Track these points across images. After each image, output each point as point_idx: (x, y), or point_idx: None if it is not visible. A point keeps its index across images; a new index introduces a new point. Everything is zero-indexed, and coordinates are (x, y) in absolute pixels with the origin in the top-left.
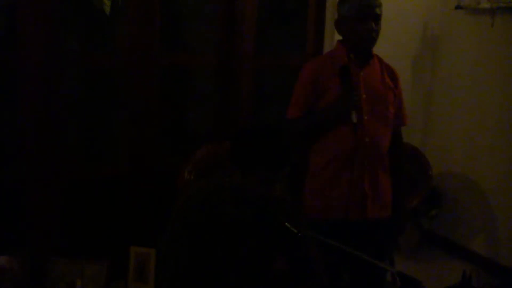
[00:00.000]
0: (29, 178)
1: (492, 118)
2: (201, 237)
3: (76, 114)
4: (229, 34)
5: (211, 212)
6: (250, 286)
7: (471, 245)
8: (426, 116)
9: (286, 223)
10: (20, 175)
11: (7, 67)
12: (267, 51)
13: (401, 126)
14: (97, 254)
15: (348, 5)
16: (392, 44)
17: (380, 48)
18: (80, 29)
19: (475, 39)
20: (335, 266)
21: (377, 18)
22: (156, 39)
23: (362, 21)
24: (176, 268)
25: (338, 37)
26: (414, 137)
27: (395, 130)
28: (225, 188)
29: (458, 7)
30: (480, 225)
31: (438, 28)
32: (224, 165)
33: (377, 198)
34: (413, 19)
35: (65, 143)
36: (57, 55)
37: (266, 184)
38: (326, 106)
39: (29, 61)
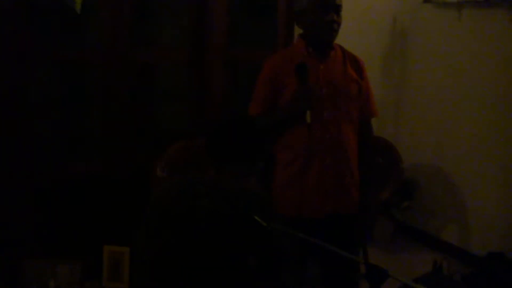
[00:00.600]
0: (0, 177)
1: (462, 110)
2: (178, 232)
3: (48, 112)
4: (200, 27)
5: (185, 207)
6: (226, 280)
7: (443, 235)
8: (397, 108)
9: (255, 216)
10: None
11: None
12: (238, 44)
13: (370, 118)
14: (70, 253)
15: None
16: (362, 38)
17: (349, 42)
18: (52, 26)
19: (443, 32)
20: (304, 260)
21: (338, 9)
22: (127, 34)
23: (323, 13)
24: (155, 264)
25: None
26: (385, 129)
27: (363, 122)
28: (199, 183)
29: (426, 0)
30: (451, 215)
31: (407, 22)
32: (197, 161)
33: (342, 195)
34: (382, 13)
35: (37, 142)
36: (29, 53)
37: (241, 178)
38: (283, 104)
39: (3, 59)
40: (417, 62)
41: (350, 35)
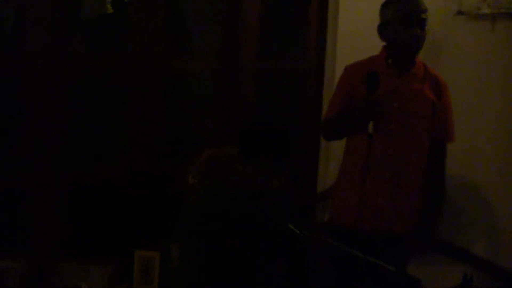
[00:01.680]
0: (34, 180)
1: (493, 122)
2: (216, 240)
3: (81, 116)
4: (232, 37)
5: (222, 211)
6: (257, 284)
7: (472, 249)
8: None
9: (290, 225)
10: (25, 177)
11: (14, 70)
12: (269, 55)
13: (445, 142)
14: (102, 257)
15: (392, 10)
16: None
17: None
18: (85, 32)
19: (476, 45)
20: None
21: (422, 23)
22: (160, 42)
23: (407, 26)
24: (194, 273)
25: (340, 44)
26: None
27: (435, 145)
28: (231, 185)
29: (459, 12)
30: (481, 228)
31: (439, 34)
32: (227, 168)
33: (394, 213)
34: None
35: (71, 145)
36: (62, 58)
37: (265, 175)
38: (349, 112)
39: (35, 64)
40: (449, 74)
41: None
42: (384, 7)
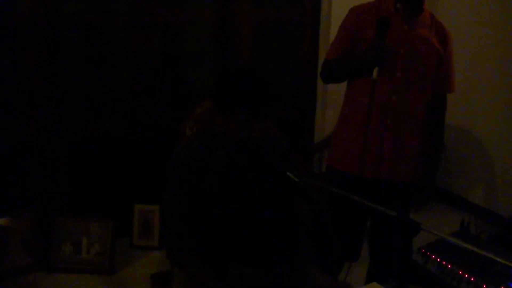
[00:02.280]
0: (34, 139)
1: (490, 72)
2: (198, 187)
3: (77, 74)
4: None
5: (203, 160)
6: (250, 231)
7: (469, 196)
8: None
9: (288, 172)
10: (25, 137)
11: (10, 29)
12: (265, 5)
13: (447, 93)
14: (102, 212)
15: None
16: None
17: None
18: None
19: None
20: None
21: None
22: None
23: None
24: (180, 221)
25: None
26: None
27: (437, 95)
28: (211, 134)
29: None
30: (478, 177)
31: None
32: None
33: (397, 160)
34: None
35: (69, 104)
36: (56, 16)
37: (244, 124)
38: (358, 54)
39: (30, 23)
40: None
41: None
42: None
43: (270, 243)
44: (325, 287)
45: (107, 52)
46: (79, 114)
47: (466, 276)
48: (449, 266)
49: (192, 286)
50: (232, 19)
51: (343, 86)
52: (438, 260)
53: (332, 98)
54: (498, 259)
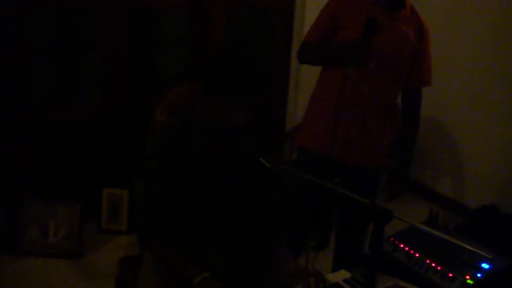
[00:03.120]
0: (1, 122)
1: (461, 65)
2: (176, 174)
3: (47, 55)
4: None
5: (181, 147)
6: (227, 221)
7: (438, 187)
8: None
9: (260, 158)
10: None
11: None
12: None
13: (422, 86)
14: (70, 195)
15: None
16: None
17: None
18: None
19: None
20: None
21: None
22: None
23: None
24: (157, 208)
25: None
26: None
27: (412, 88)
28: (192, 122)
29: None
30: (447, 168)
31: None
32: (195, 105)
33: (364, 147)
34: None
35: (38, 85)
36: None
37: (226, 111)
38: (339, 44)
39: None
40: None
41: None
42: None
43: (244, 230)
44: (297, 273)
45: (79, 34)
46: (48, 96)
47: (433, 265)
48: (416, 255)
49: (161, 271)
50: (206, 3)
51: (316, 74)
52: (406, 249)
53: (305, 86)
54: (468, 246)
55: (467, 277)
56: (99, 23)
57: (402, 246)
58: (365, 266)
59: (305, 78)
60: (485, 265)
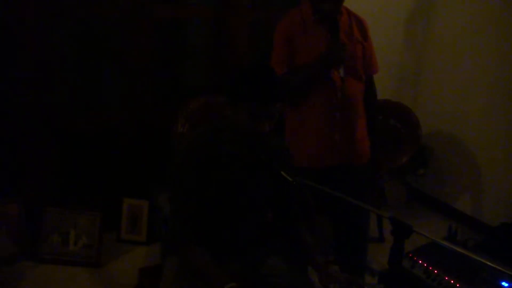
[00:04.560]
0: (24, 130)
1: (483, 80)
2: (206, 182)
3: (71, 66)
4: None
5: (210, 155)
6: (251, 230)
7: (456, 204)
8: (418, 75)
9: (282, 172)
10: (17, 127)
11: (4, 24)
12: (263, 4)
13: (372, 74)
14: (90, 205)
15: None
16: (384, 3)
17: (372, 7)
18: None
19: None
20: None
21: None
22: None
23: None
24: (187, 216)
25: None
26: (405, 96)
27: (366, 79)
28: (220, 129)
29: None
30: (466, 185)
31: None
32: (216, 116)
33: (351, 147)
34: None
35: (60, 96)
36: (51, 8)
37: (255, 119)
38: (314, 59)
39: (24, 17)
40: (441, 29)
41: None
42: None
43: (265, 238)
44: (331, 279)
45: (102, 44)
46: (71, 106)
47: (452, 282)
48: (435, 271)
49: (181, 280)
50: (230, 15)
51: None
52: (425, 265)
53: None
54: (489, 263)
55: None
56: (123, 33)
57: (421, 262)
58: (382, 281)
59: None
60: (505, 283)
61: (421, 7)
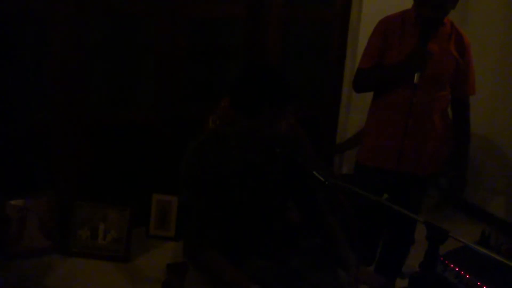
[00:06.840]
0: (56, 124)
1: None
2: (215, 186)
3: (103, 61)
4: None
5: (216, 160)
6: (268, 232)
7: (489, 208)
8: None
9: (315, 172)
10: (48, 121)
11: (37, 16)
12: (296, 3)
13: (468, 95)
14: (120, 200)
15: None
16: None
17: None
18: None
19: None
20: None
21: None
22: None
23: None
24: (200, 223)
25: None
26: None
27: (459, 99)
28: (227, 136)
29: None
30: (499, 188)
31: None
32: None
33: (419, 158)
34: None
35: (92, 90)
36: (85, 3)
37: (273, 122)
38: (397, 63)
39: (57, 9)
40: (477, 32)
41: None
42: None
43: (292, 238)
44: (361, 279)
45: (136, 40)
46: (104, 100)
47: (485, 287)
48: (467, 276)
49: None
50: (263, 15)
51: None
52: (457, 269)
53: (357, 99)
54: None
55: None
56: (157, 30)
57: (452, 266)
58: (413, 284)
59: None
60: None
61: (456, 10)
